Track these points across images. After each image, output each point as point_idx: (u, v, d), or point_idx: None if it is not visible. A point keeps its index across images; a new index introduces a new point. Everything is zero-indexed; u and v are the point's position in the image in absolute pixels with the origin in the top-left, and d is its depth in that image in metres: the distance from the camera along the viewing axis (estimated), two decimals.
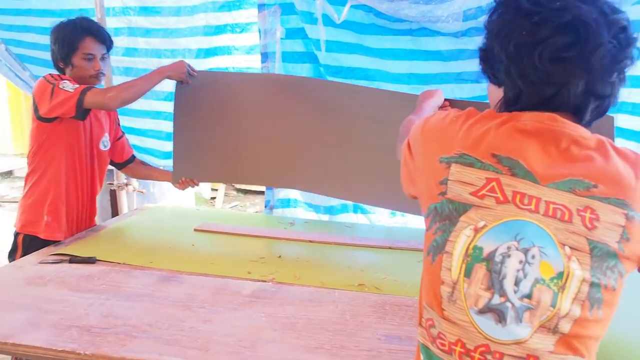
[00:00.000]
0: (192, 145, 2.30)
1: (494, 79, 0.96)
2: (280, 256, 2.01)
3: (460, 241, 0.84)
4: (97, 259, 1.88)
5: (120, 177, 2.80)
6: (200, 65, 2.65)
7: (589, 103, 0.87)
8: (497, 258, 0.81)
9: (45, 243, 2.04)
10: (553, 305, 0.79)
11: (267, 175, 2.37)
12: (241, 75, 2.47)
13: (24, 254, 2.05)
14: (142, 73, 2.73)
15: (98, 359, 1.24)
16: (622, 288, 0.82)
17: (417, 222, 2.59)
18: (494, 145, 0.86)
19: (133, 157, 2.45)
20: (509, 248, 0.81)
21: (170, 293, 1.60)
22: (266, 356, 1.27)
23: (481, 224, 0.83)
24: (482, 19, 2.04)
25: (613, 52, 0.83)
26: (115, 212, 2.86)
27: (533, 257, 0.80)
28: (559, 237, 0.80)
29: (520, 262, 0.80)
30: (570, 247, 0.80)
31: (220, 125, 2.25)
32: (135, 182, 2.86)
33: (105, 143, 2.25)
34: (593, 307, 0.79)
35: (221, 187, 6.47)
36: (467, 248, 0.83)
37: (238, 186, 6.91)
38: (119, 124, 2.39)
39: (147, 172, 2.52)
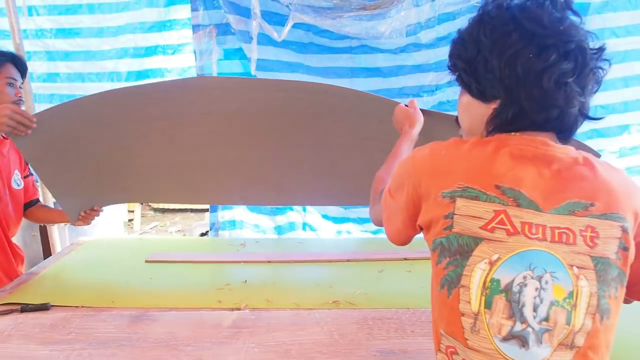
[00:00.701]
0: (73, 178, 2.01)
1: (478, 93, 0.97)
2: (245, 281, 1.99)
3: (477, 275, 0.87)
4: (52, 304, 1.76)
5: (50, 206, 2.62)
6: None
7: (579, 124, 0.95)
8: (515, 288, 0.86)
9: None
10: (568, 323, 0.85)
11: (168, 189, 2.16)
12: (110, 95, 1.92)
13: None
14: (67, 99, 2.61)
15: None
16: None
17: (360, 234, 2.68)
18: (496, 176, 0.89)
19: (37, 200, 2.28)
20: (524, 278, 0.86)
21: (148, 334, 1.54)
22: None
23: (495, 257, 0.86)
24: (422, 34, 2.20)
25: (598, 75, 0.92)
26: (47, 248, 2.67)
27: (546, 282, 0.86)
28: (567, 260, 0.86)
29: (536, 289, 0.86)
30: (578, 267, 0.86)
31: (100, 148, 1.95)
32: None
33: (17, 181, 2.12)
34: (603, 317, 0.87)
35: (137, 208, 6.22)
36: (485, 281, 0.87)
37: (155, 206, 6.68)
38: (27, 162, 2.19)
39: (46, 216, 2.31)
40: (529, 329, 0.85)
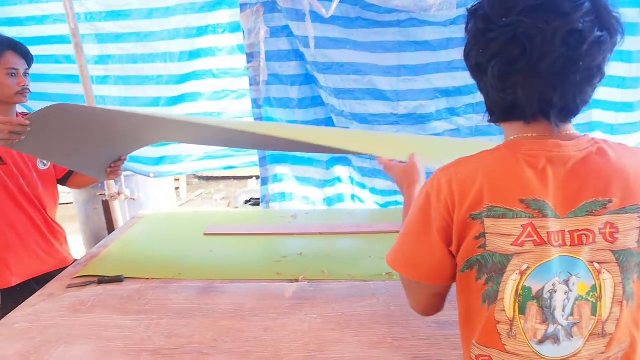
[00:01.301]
0: (84, 155, 2.05)
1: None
2: (301, 253, 2.09)
3: (509, 285, 0.91)
4: (125, 276, 1.90)
5: (112, 187, 2.78)
6: (185, 68, 2.64)
7: (561, 107, 0.92)
8: (546, 295, 0.90)
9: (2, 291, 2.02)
10: (594, 314, 0.90)
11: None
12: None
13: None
14: (121, 80, 2.73)
15: None
16: None
17: None
18: (518, 190, 0.90)
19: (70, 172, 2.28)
20: (553, 284, 0.90)
21: (217, 305, 1.66)
22: (338, 357, 1.36)
23: (524, 267, 0.90)
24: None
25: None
26: (110, 222, 2.84)
27: (573, 284, 0.90)
28: (587, 258, 0.90)
29: (565, 292, 0.90)
30: (599, 262, 0.90)
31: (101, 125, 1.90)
32: (127, 191, 2.84)
33: (44, 161, 2.15)
34: (629, 301, 0.91)
35: (182, 177, 6.42)
36: (517, 289, 0.91)
37: (200, 174, 6.87)
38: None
39: (83, 179, 2.32)
40: (559, 327, 0.91)
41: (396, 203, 2.72)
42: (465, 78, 2.32)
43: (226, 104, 2.71)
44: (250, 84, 2.58)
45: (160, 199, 3.68)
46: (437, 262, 0.99)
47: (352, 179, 2.80)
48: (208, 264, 2.04)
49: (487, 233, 0.91)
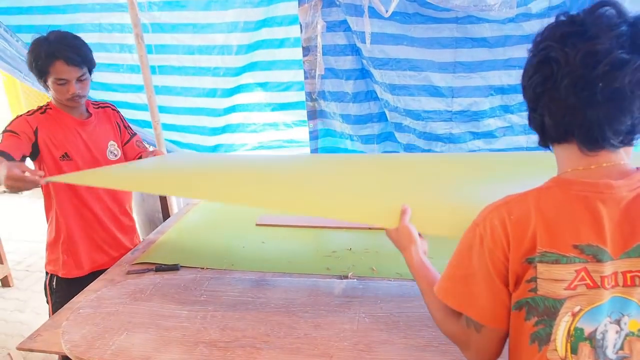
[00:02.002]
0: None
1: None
2: (350, 248, 2.12)
3: (562, 327, 0.91)
4: (181, 265, 1.99)
5: None
6: (242, 61, 2.68)
7: (600, 130, 0.90)
8: (599, 336, 0.90)
9: (68, 281, 2.11)
10: None
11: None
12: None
13: (52, 294, 2.15)
14: (176, 71, 2.80)
15: None
16: None
17: None
18: (572, 235, 0.89)
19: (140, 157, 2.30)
20: (605, 325, 0.90)
21: (269, 299, 1.71)
22: (385, 358, 1.39)
23: (577, 308, 0.90)
24: (533, 5, 2.13)
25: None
26: (165, 208, 2.95)
27: (625, 323, 0.90)
28: (639, 298, 0.89)
29: (617, 332, 0.90)
30: None
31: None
32: None
33: (114, 152, 2.16)
34: None
35: None
36: (569, 329, 0.90)
37: None
38: (126, 126, 2.27)
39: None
40: None
41: None
42: (520, 76, 2.27)
43: (282, 96, 2.75)
44: (305, 77, 2.60)
45: None
46: (500, 304, 0.98)
47: None
48: (260, 255, 2.09)
49: (538, 278, 0.91)
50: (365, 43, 2.37)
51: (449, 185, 1.67)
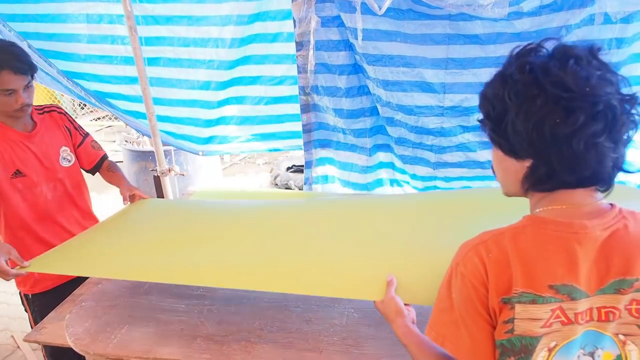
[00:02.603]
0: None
1: (511, 152, 0.97)
2: None
3: None
4: None
5: (163, 163, 2.91)
6: (236, 54, 2.70)
7: (614, 176, 0.95)
8: None
9: (43, 294, 2.07)
10: None
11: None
12: None
13: (30, 305, 2.12)
14: (171, 62, 2.81)
15: None
16: None
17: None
18: (547, 275, 0.92)
19: (102, 160, 2.26)
20: (578, 357, 0.95)
21: (263, 293, 1.78)
22: (372, 353, 1.47)
23: (552, 344, 0.94)
24: (524, 3, 2.16)
25: (633, 122, 0.91)
26: (160, 194, 2.99)
27: (598, 356, 0.95)
28: (613, 331, 0.94)
29: None
30: (624, 335, 0.95)
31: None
32: (177, 167, 2.98)
33: (67, 158, 2.10)
34: None
35: None
36: None
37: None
38: (76, 127, 2.19)
39: (111, 179, 2.28)
40: None
41: (435, 187, 2.77)
42: None
43: (275, 89, 2.78)
44: (299, 72, 2.63)
45: (205, 166, 3.83)
46: (489, 340, 0.98)
47: (393, 165, 2.85)
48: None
49: (516, 319, 0.93)
50: (357, 39, 2.40)
51: (428, 246, 1.65)
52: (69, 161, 2.10)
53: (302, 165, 5.40)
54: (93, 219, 2.24)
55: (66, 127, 2.13)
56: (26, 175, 1.94)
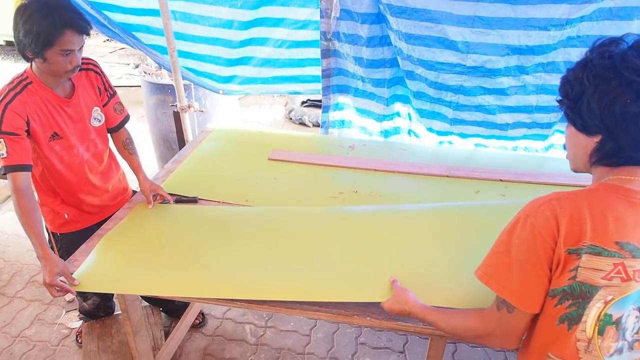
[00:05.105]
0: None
1: (583, 128, 1.12)
2: (356, 191, 2.28)
3: (592, 311, 1.06)
4: (199, 197, 2.18)
5: (183, 99, 2.96)
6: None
7: None
8: (623, 320, 1.07)
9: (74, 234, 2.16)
10: None
11: None
12: None
13: (59, 248, 2.22)
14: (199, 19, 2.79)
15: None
16: None
17: (461, 144, 2.84)
18: (615, 232, 1.03)
19: (120, 125, 2.23)
20: (629, 312, 1.06)
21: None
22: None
23: (609, 297, 1.05)
24: None
25: None
26: (180, 133, 3.06)
27: None
28: None
29: (636, 317, 1.07)
30: None
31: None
32: (196, 104, 3.03)
33: (98, 118, 2.11)
34: None
35: None
36: (599, 315, 1.07)
37: None
38: (106, 87, 2.14)
39: (123, 155, 2.28)
40: (625, 342, 1.09)
41: (450, 143, 2.84)
42: (540, 37, 2.28)
43: (298, 33, 2.77)
44: (321, 16, 2.62)
45: (223, 101, 3.87)
46: (541, 290, 1.11)
47: (409, 116, 2.90)
48: (271, 191, 2.27)
49: (580, 267, 1.05)
50: None
51: (430, 254, 1.81)
52: (99, 121, 2.12)
53: (317, 101, 5.42)
54: (110, 174, 2.26)
55: (99, 87, 2.10)
56: (63, 137, 1.98)
